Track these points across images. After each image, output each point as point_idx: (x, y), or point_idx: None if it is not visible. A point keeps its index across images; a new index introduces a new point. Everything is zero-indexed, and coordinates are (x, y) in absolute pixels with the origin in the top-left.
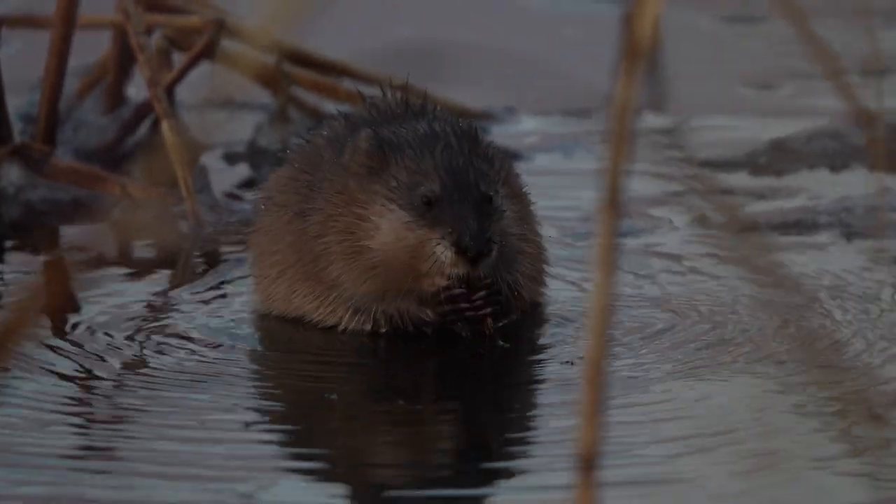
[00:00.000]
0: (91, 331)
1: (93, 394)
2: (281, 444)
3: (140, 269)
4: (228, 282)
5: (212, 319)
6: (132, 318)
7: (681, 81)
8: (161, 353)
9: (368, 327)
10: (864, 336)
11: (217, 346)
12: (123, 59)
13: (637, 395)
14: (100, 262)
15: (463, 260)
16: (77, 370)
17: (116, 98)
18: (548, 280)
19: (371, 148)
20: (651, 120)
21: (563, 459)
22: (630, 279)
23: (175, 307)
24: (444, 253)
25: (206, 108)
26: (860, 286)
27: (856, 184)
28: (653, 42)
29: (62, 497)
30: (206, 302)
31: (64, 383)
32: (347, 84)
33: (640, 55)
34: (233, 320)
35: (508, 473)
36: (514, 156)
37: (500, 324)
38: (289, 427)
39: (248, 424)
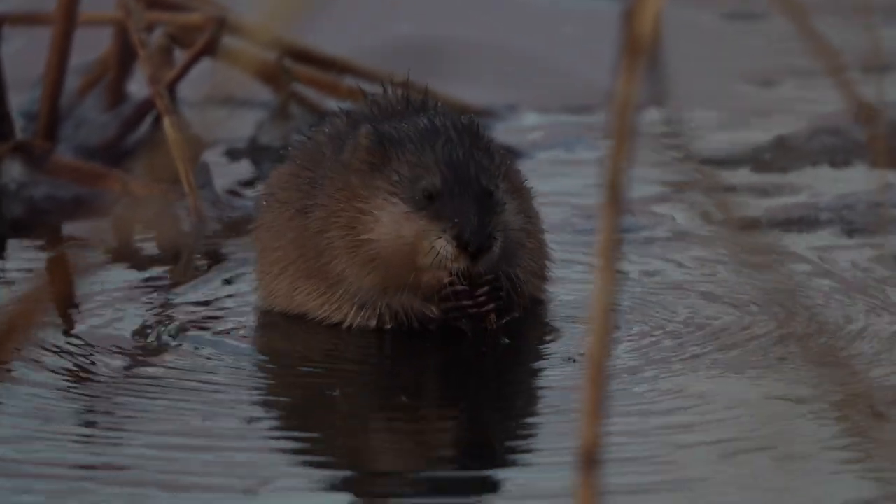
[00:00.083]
0: (93, 327)
1: (94, 391)
2: (283, 441)
3: (142, 266)
4: (230, 278)
5: (214, 316)
6: (134, 315)
7: (681, 78)
8: (162, 349)
9: (373, 323)
10: (865, 333)
11: (219, 344)
12: (124, 56)
13: (636, 385)
14: (101, 258)
15: (463, 254)
16: (78, 368)
17: (117, 95)
18: (550, 276)
19: (372, 143)
20: (653, 117)
21: (565, 457)
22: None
23: (177, 304)
24: (444, 248)
25: (207, 104)
26: (862, 283)
27: (857, 180)
28: (653, 39)
29: None
30: (207, 298)
31: (65, 382)
32: (348, 81)
33: (640, 52)
34: (235, 317)
35: (511, 471)
36: (515, 152)
37: (504, 320)
38: (291, 424)
39: (249, 421)
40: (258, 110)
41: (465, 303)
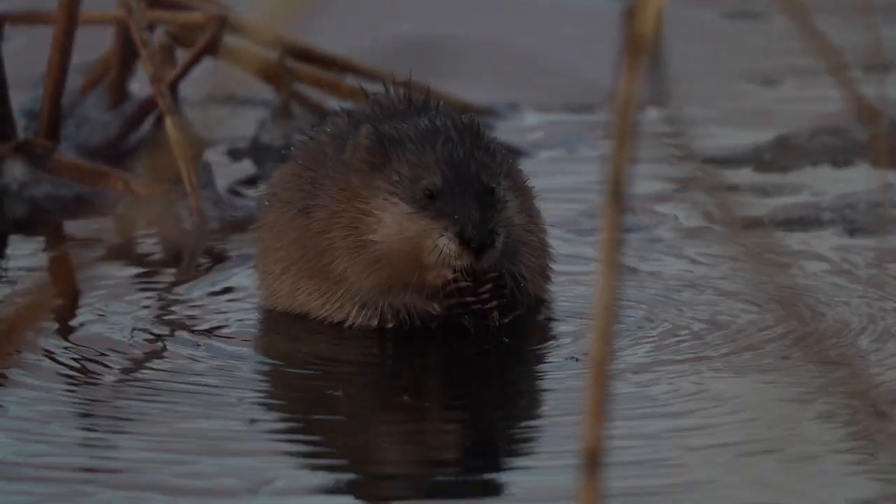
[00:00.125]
0: (93, 327)
1: (94, 393)
2: (284, 441)
3: (144, 265)
4: (232, 278)
5: (216, 316)
6: (136, 314)
7: (683, 78)
8: (164, 349)
9: (375, 322)
10: (868, 332)
11: (221, 343)
12: (126, 56)
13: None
14: (103, 258)
15: (467, 251)
16: (80, 367)
17: (119, 94)
18: (552, 275)
19: (372, 144)
20: (654, 116)
21: (568, 457)
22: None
23: (179, 303)
24: (447, 245)
25: (209, 104)
26: (865, 282)
27: (858, 180)
28: (654, 38)
29: None
30: (210, 298)
31: (65, 383)
32: (350, 80)
33: (641, 51)
34: (236, 317)
35: (514, 471)
36: (517, 152)
37: (506, 319)
38: (292, 424)
39: (252, 421)
40: (260, 109)
41: (469, 299)
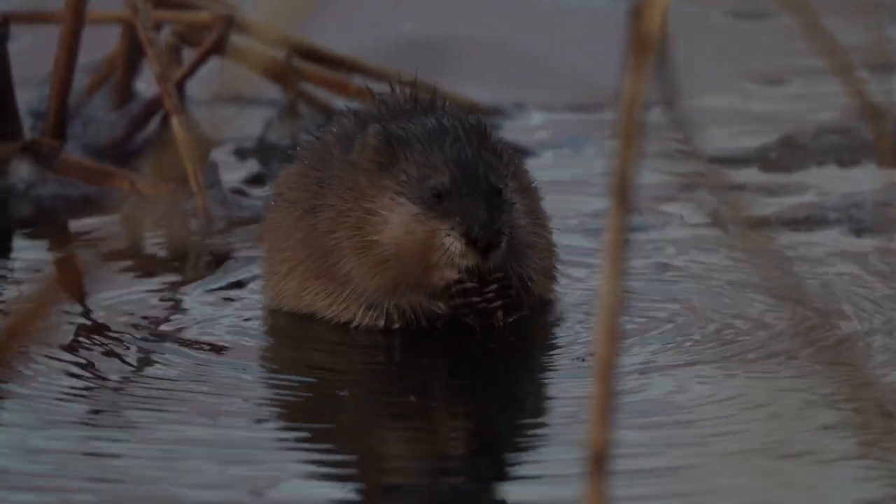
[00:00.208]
0: (100, 327)
1: (100, 393)
2: (291, 440)
3: (150, 265)
4: (239, 278)
5: (222, 316)
6: (142, 315)
7: (689, 77)
8: (171, 349)
9: (381, 323)
10: (874, 333)
11: (227, 343)
12: (132, 55)
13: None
14: (109, 257)
15: (473, 251)
16: (86, 367)
17: (126, 94)
18: (558, 276)
19: (379, 143)
20: (659, 115)
21: (574, 457)
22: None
23: (185, 303)
24: (453, 244)
25: (215, 103)
26: (870, 282)
27: (864, 179)
28: (660, 37)
29: None
30: (216, 298)
31: (73, 380)
32: (357, 80)
33: (647, 50)
34: (243, 317)
35: (520, 470)
36: (523, 151)
37: (511, 319)
38: (298, 425)
39: (258, 420)
40: (266, 109)
41: (474, 299)
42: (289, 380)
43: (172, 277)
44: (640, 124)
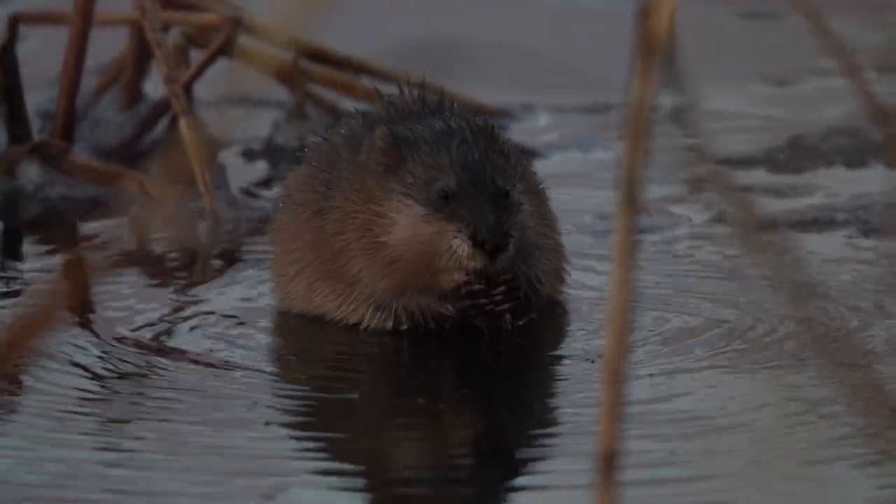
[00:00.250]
0: (109, 328)
1: (109, 396)
2: (301, 442)
3: (158, 267)
4: (247, 279)
5: (230, 317)
6: (150, 316)
7: (697, 78)
8: (179, 351)
9: (390, 324)
10: (881, 332)
11: (235, 346)
12: (141, 57)
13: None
14: (118, 259)
15: (480, 253)
16: (94, 369)
17: (134, 95)
18: (567, 277)
19: (387, 145)
20: (668, 116)
21: (583, 458)
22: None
23: (193, 304)
24: (460, 246)
25: (223, 105)
26: (877, 283)
27: (873, 181)
28: (669, 38)
29: None
30: (224, 300)
31: (82, 382)
32: (365, 81)
33: (655, 51)
34: (251, 318)
35: (529, 472)
36: (530, 153)
37: (519, 321)
38: (308, 426)
39: (268, 423)
40: (274, 110)
41: (481, 301)
42: (297, 381)
43: (180, 279)
44: (649, 125)
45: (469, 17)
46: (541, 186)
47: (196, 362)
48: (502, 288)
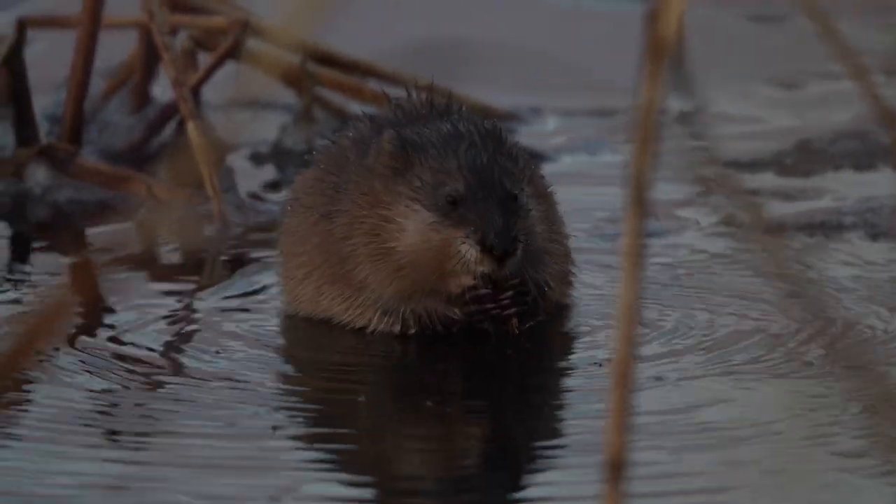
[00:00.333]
0: (117, 333)
1: (116, 400)
2: (309, 445)
3: (166, 270)
4: (255, 283)
5: (238, 321)
6: (158, 320)
7: (705, 81)
8: (187, 355)
9: (398, 329)
10: (890, 336)
11: (243, 349)
12: (149, 60)
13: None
14: (126, 262)
15: (489, 258)
16: (102, 373)
17: (142, 98)
18: (575, 281)
19: (394, 149)
20: (676, 119)
21: (591, 463)
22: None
23: (201, 308)
24: (469, 251)
25: (231, 108)
26: (886, 286)
27: (881, 184)
28: (677, 41)
29: None
30: (232, 303)
31: (89, 387)
32: (372, 84)
33: (664, 54)
34: (259, 322)
35: (536, 476)
36: (539, 156)
37: (527, 325)
38: (316, 429)
39: (275, 427)
40: (282, 114)
41: (489, 306)
42: (304, 385)
43: (188, 283)
44: (657, 129)
45: (474, 19)
46: (549, 190)
47: (202, 365)
48: (510, 293)
